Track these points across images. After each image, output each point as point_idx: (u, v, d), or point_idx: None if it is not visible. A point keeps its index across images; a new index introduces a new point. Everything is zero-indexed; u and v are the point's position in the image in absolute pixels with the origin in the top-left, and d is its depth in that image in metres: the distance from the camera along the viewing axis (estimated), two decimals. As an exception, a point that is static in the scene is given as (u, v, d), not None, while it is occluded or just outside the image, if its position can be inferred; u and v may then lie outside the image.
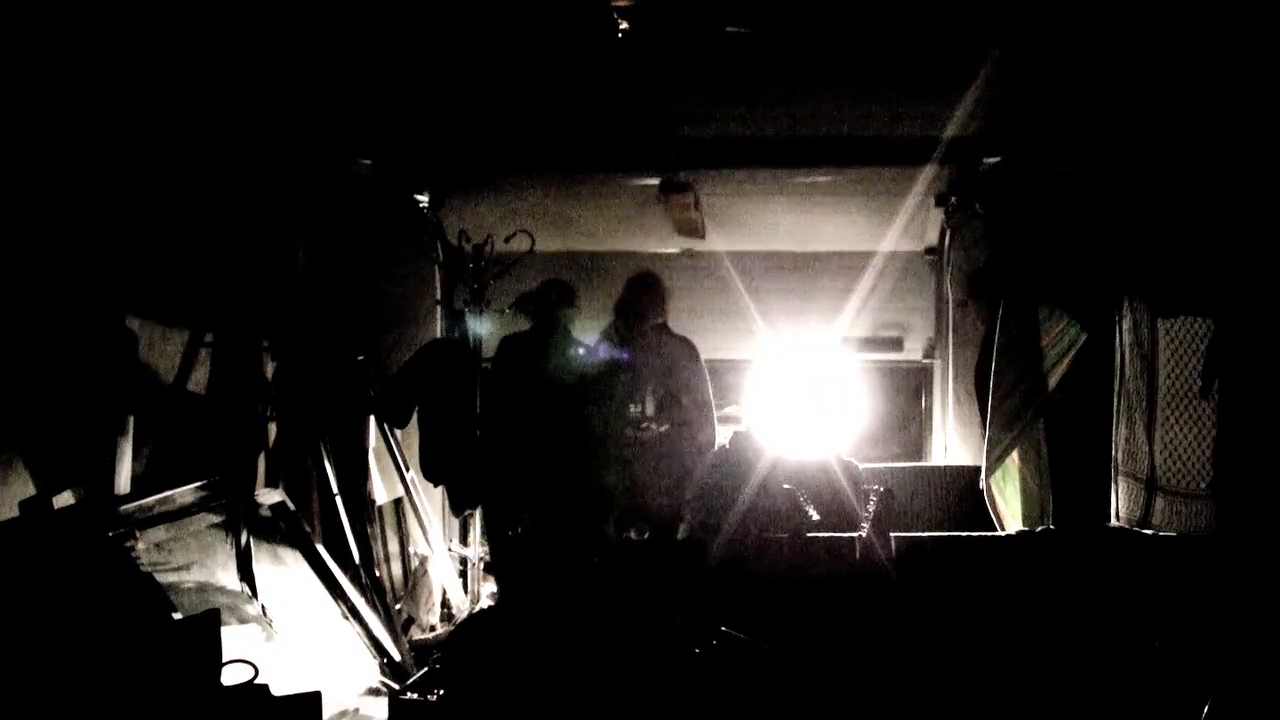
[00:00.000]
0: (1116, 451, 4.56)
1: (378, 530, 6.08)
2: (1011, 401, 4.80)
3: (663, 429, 5.27)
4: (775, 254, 6.96)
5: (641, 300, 5.38)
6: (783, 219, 6.70)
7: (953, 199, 6.25)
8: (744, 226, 6.80)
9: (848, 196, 6.24)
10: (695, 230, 6.65)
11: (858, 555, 3.97)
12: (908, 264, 6.82)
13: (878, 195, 6.45)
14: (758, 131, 5.21)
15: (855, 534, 4.09)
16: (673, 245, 6.84)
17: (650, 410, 5.27)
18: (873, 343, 6.86)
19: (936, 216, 6.27)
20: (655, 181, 5.76)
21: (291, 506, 5.12)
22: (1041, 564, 3.93)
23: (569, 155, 5.47)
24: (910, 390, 7.97)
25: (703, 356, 5.41)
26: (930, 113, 4.96)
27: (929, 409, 7.56)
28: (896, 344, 6.93)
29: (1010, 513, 5.02)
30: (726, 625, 3.33)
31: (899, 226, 6.39)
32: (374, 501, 6.07)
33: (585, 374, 5.32)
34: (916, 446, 7.87)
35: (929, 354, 6.95)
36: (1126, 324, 4.45)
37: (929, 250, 6.67)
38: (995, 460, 4.92)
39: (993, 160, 5.43)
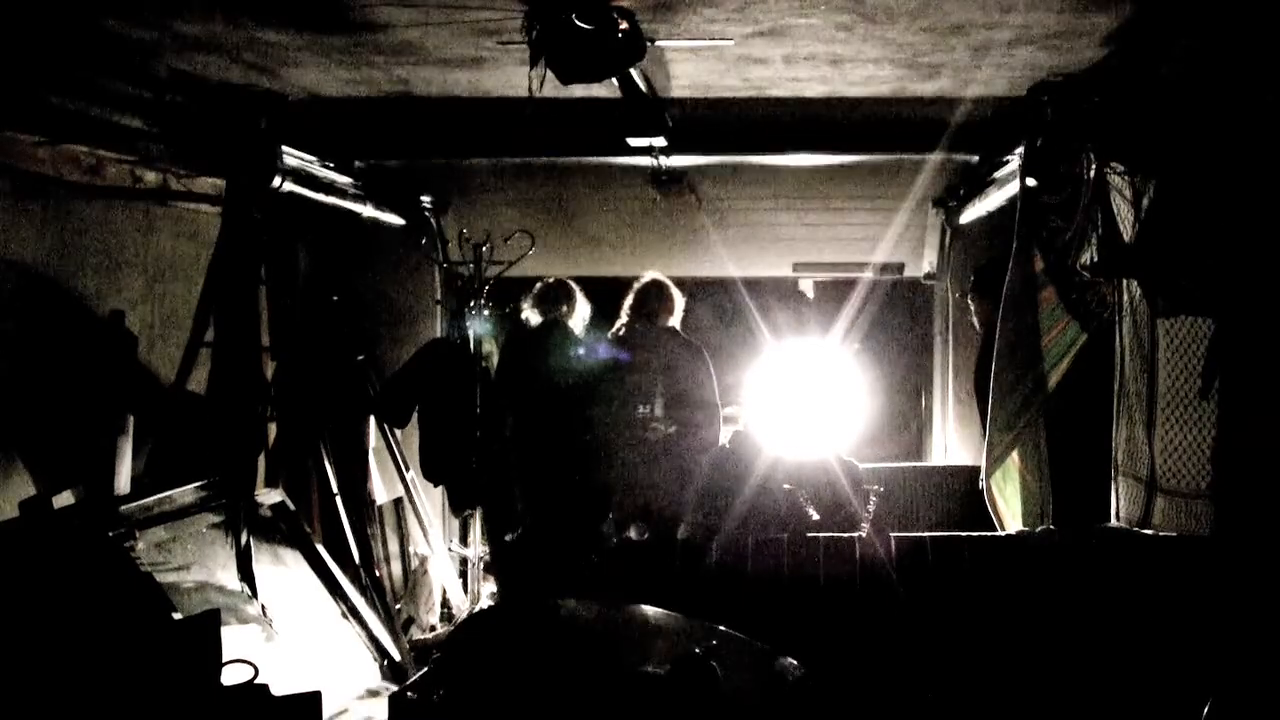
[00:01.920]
0: (1116, 451, 4.56)
1: (378, 530, 6.09)
2: (1011, 401, 4.80)
3: (670, 430, 5.35)
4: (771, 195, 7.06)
5: (652, 304, 5.48)
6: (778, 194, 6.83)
7: (961, 191, 6.26)
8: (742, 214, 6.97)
9: (852, 174, 6.31)
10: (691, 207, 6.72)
11: (858, 555, 3.97)
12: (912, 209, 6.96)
13: (880, 183, 6.57)
14: (752, 114, 5.19)
15: (855, 534, 4.09)
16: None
17: (659, 411, 5.36)
18: (875, 266, 7.04)
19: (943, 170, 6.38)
20: (648, 167, 5.80)
21: (291, 506, 5.13)
22: (1041, 564, 3.94)
23: (563, 146, 5.53)
24: (911, 390, 7.99)
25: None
26: (932, 108, 4.96)
27: (929, 409, 7.57)
28: (898, 268, 7.12)
29: (1010, 513, 5.02)
30: (726, 625, 3.33)
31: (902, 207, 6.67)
32: (374, 501, 6.08)
33: (591, 374, 5.39)
34: (916, 446, 7.89)
35: (930, 277, 7.10)
36: (1126, 324, 4.45)
37: (935, 201, 6.80)
38: (995, 460, 4.92)
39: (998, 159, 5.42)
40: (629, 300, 5.56)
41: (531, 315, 5.59)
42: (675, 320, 5.53)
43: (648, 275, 5.62)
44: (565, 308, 5.55)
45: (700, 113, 5.05)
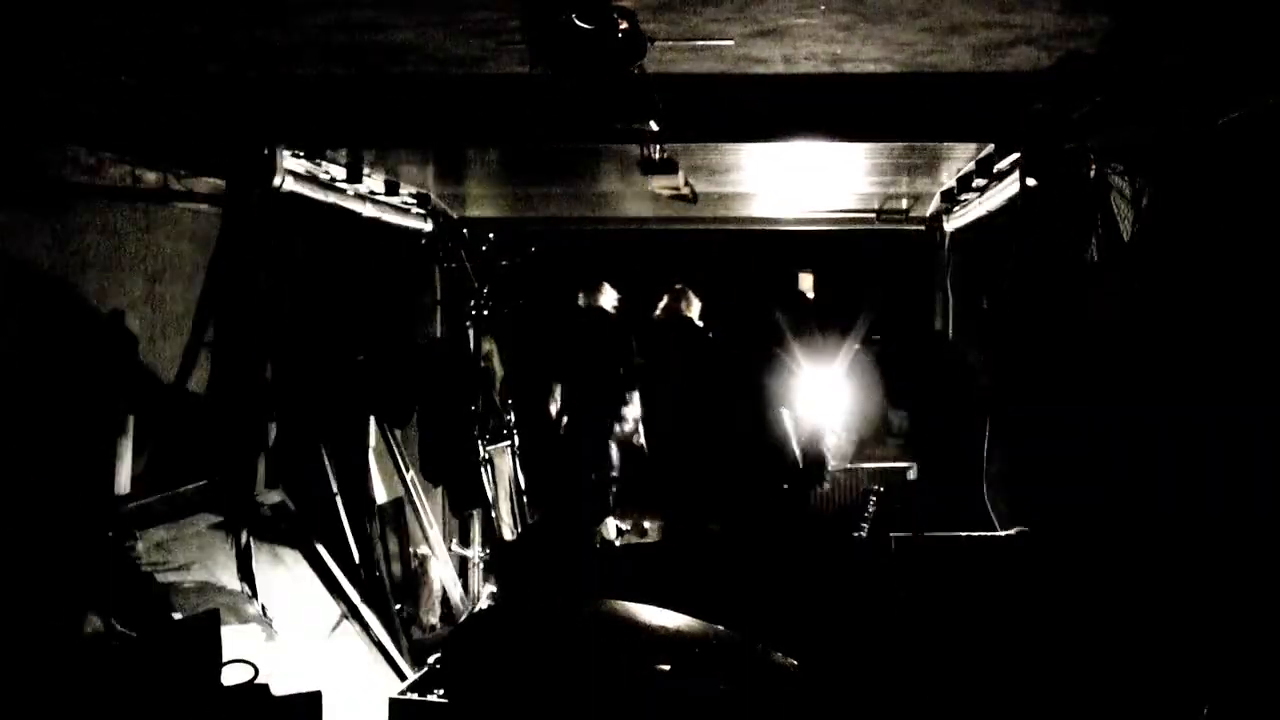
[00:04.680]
0: (1116, 451, 4.56)
1: (378, 530, 6.09)
2: (1011, 401, 4.80)
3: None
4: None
5: (678, 302, 7.56)
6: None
7: (959, 195, 6.25)
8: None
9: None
10: (686, 199, 6.67)
11: (858, 555, 3.98)
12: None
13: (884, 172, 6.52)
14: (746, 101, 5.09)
15: (855, 534, 4.10)
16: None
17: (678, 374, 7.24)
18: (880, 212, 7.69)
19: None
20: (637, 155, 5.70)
21: (291, 506, 5.12)
22: (1041, 564, 3.94)
23: (555, 133, 5.43)
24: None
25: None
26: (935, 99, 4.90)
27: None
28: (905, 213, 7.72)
29: (1010, 512, 5.02)
30: (726, 625, 3.33)
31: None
32: (374, 501, 6.08)
33: (629, 348, 7.36)
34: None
35: (938, 217, 7.25)
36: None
37: (943, 194, 6.87)
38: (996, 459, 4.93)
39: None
40: (664, 300, 7.62)
41: (583, 304, 7.53)
42: (694, 312, 7.60)
43: (676, 286, 7.60)
44: (602, 298, 7.58)
45: (695, 92, 4.86)
